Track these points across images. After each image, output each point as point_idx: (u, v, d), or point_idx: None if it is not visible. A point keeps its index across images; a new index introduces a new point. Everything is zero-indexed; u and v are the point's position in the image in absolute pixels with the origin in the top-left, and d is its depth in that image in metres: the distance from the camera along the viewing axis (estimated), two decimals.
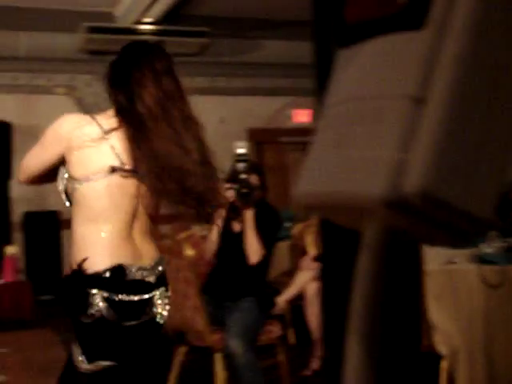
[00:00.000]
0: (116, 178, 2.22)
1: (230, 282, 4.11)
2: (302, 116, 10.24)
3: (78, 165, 2.24)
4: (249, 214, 4.04)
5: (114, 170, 2.21)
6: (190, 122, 2.29)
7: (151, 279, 2.28)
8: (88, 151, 2.22)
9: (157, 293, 2.29)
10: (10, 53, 8.25)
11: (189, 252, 3.79)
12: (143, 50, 2.40)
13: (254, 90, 10.04)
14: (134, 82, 2.28)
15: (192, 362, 4.21)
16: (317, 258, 4.79)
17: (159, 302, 2.29)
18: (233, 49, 9.59)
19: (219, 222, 4.18)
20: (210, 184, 2.26)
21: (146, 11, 7.78)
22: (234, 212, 4.09)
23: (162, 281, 2.33)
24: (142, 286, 2.26)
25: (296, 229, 5.94)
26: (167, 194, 2.23)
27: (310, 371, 4.69)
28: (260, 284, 4.16)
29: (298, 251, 5.58)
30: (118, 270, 2.18)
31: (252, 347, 3.77)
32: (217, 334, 3.83)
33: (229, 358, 3.74)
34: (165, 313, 2.30)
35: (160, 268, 2.33)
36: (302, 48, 9.60)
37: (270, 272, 4.32)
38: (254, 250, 4.03)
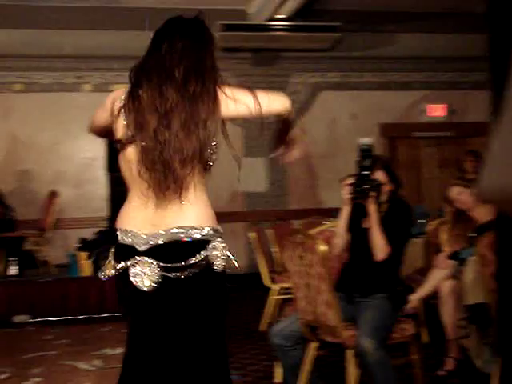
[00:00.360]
0: (127, 150, 2.29)
1: (361, 278, 4.08)
2: (435, 110, 10.01)
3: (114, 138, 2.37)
4: (372, 210, 3.99)
5: (119, 142, 2.31)
6: (192, 85, 2.23)
7: (141, 248, 2.27)
8: (115, 126, 2.33)
9: (133, 261, 2.27)
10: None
11: (322, 247, 3.79)
12: (169, 23, 2.42)
13: (386, 84, 9.92)
14: (148, 53, 2.35)
15: (324, 358, 4.22)
16: (451, 256, 4.67)
17: (144, 270, 2.26)
18: (365, 43, 9.50)
19: (344, 217, 4.17)
20: (182, 156, 2.21)
21: (278, 8, 7.85)
22: (358, 208, 4.06)
23: (157, 252, 2.26)
24: (128, 252, 2.29)
25: (431, 225, 5.82)
26: (149, 164, 2.24)
27: (444, 371, 4.59)
28: (392, 281, 4.09)
29: (433, 248, 5.46)
30: (108, 233, 2.31)
31: (383, 345, 3.72)
32: (349, 331, 3.81)
33: (360, 356, 3.71)
34: (145, 283, 2.26)
35: (165, 238, 2.26)
36: (437, 41, 9.42)
37: (403, 269, 4.24)
38: (378, 246, 3.97)
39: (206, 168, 2.30)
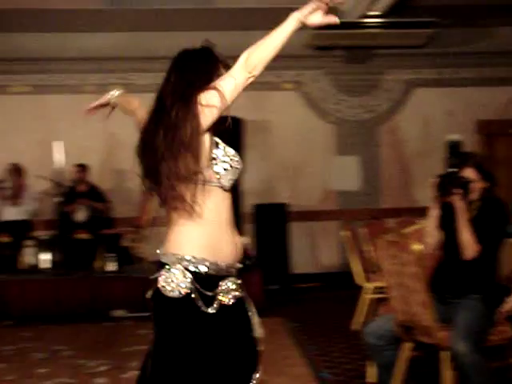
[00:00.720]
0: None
1: (454, 279, 4.01)
2: None
3: None
4: (458, 208, 3.91)
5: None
6: (174, 110, 2.31)
7: None
8: None
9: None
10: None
11: (416, 246, 3.74)
12: (172, 60, 2.51)
13: (483, 80, 9.67)
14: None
15: (419, 358, 4.16)
16: None
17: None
18: (460, 38, 9.30)
19: (432, 215, 4.10)
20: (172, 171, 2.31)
21: (371, 5, 7.77)
22: (452, 206, 3.98)
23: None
24: None
25: None
26: (154, 191, 2.44)
27: None
28: (486, 281, 4.00)
29: None
30: None
31: (479, 347, 3.63)
32: (444, 332, 3.75)
33: (455, 358, 3.64)
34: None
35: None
36: None
37: (500, 269, 4.14)
38: (466, 244, 3.89)
39: (222, 187, 2.34)
